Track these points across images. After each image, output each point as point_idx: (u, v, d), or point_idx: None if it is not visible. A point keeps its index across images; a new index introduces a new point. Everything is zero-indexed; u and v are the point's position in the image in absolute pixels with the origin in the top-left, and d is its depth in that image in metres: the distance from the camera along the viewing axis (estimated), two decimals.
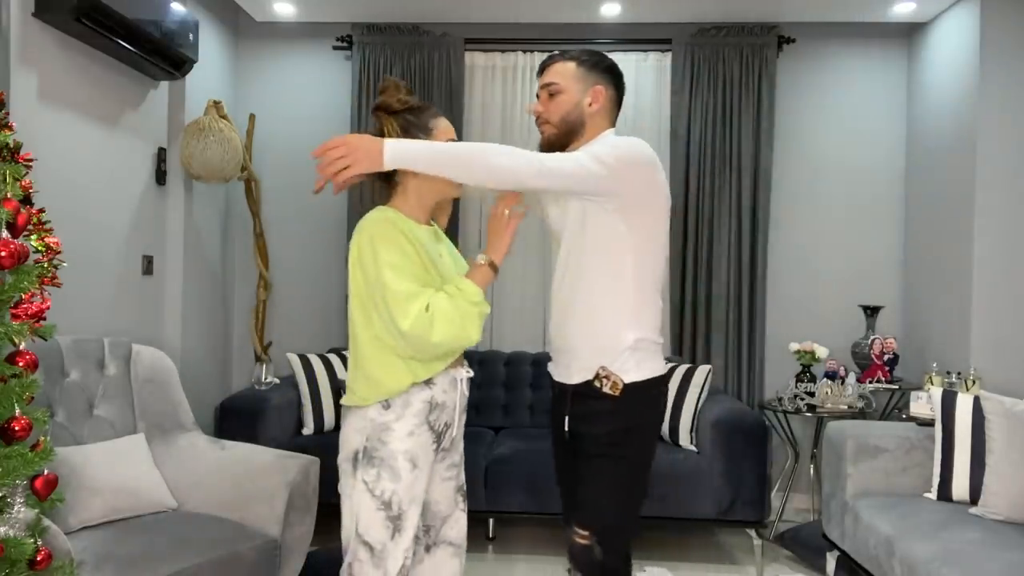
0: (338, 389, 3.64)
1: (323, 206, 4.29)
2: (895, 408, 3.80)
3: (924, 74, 4.02)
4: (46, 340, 1.69)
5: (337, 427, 3.62)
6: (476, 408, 3.95)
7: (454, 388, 1.84)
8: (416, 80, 4.18)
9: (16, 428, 1.61)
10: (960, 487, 2.71)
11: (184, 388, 2.90)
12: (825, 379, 3.70)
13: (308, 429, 3.58)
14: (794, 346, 3.85)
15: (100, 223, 3.08)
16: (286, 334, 4.32)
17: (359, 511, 1.74)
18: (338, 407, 3.63)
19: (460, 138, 1.82)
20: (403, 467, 1.73)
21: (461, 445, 1.97)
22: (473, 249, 4.22)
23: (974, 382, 3.06)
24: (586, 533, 1.79)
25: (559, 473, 2.02)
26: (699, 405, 3.44)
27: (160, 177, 3.52)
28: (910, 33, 4.17)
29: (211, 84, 3.93)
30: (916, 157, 4.09)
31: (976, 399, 2.78)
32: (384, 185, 1.87)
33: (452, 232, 4.13)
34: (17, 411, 1.62)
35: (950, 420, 2.79)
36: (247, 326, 4.27)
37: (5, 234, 1.60)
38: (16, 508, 1.64)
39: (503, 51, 4.28)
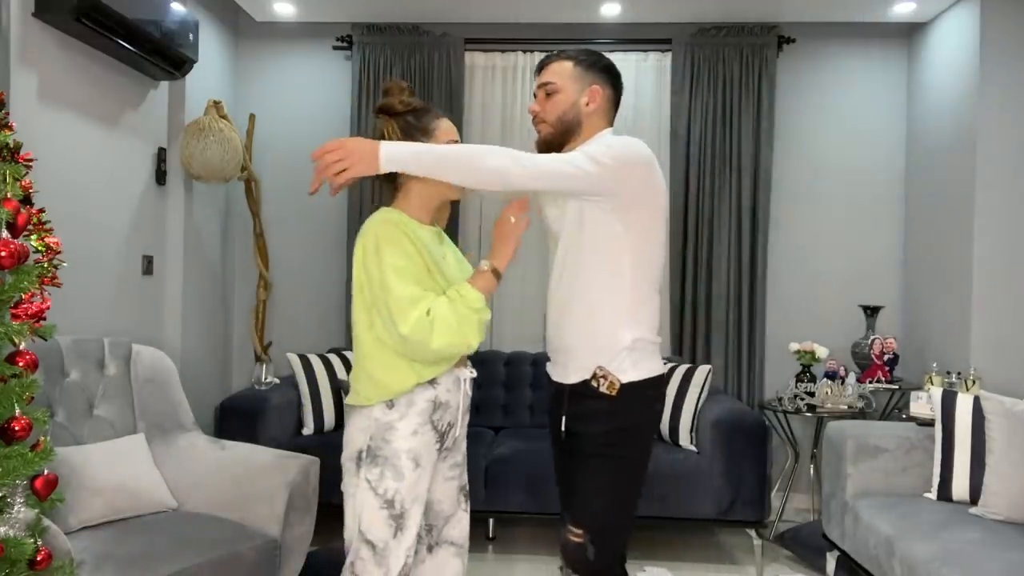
0: (338, 389, 3.64)
1: (323, 206, 4.29)
2: (895, 408, 3.80)
3: (924, 74, 4.02)
4: (46, 340, 1.69)
5: (337, 427, 3.63)
6: (476, 408, 3.95)
7: (457, 388, 1.85)
8: (416, 80, 4.18)
9: (16, 428, 1.61)
10: (960, 487, 2.71)
11: (184, 388, 2.90)
12: (825, 379, 3.70)
13: (308, 429, 3.58)
14: (794, 346, 3.85)
15: (100, 223, 3.08)
16: (286, 334, 4.32)
17: (362, 510, 1.75)
18: (338, 407, 3.63)
19: (461, 139, 1.82)
20: (406, 466, 1.74)
21: (464, 445, 1.97)
22: (473, 250, 4.23)
23: (974, 382, 3.06)
24: (579, 532, 1.79)
25: (557, 473, 2.02)
26: (699, 405, 3.44)
27: (160, 177, 3.52)
28: (910, 33, 4.17)
29: (211, 84, 3.93)
30: (916, 157, 4.09)
31: (976, 399, 2.78)
32: (387, 187, 1.88)
33: (452, 232, 4.13)
34: (17, 411, 1.62)
35: (950, 420, 2.79)
36: (247, 326, 4.27)
37: (5, 234, 1.60)
38: (16, 508, 1.64)
39: (503, 51, 4.28)
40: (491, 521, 3.63)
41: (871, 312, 3.92)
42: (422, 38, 4.18)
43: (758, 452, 3.22)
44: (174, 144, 3.58)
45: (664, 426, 3.47)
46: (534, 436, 3.61)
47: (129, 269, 3.29)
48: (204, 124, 3.47)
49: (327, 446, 3.34)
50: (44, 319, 1.68)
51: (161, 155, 3.52)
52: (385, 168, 1.71)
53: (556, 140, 1.89)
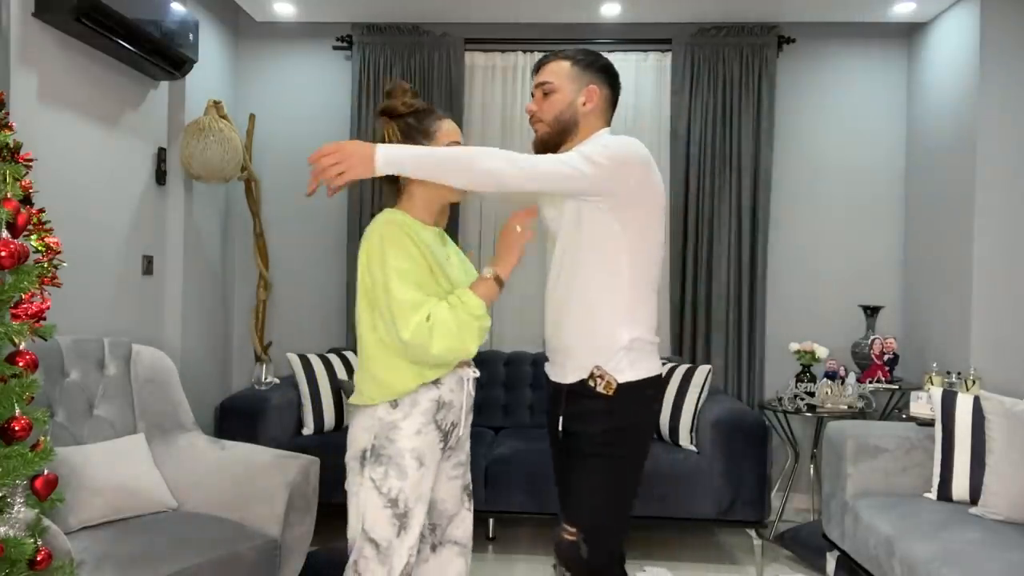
0: (338, 389, 3.65)
1: (323, 206, 4.29)
2: (895, 408, 3.80)
3: (924, 74, 4.02)
4: (46, 340, 1.69)
5: (337, 427, 3.63)
6: (476, 408, 3.92)
7: (461, 387, 1.86)
8: (416, 80, 4.18)
9: (16, 428, 1.61)
10: (960, 487, 2.71)
11: (184, 388, 2.90)
12: (825, 379, 3.70)
13: (308, 429, 3.58)
14: (794, 346, 3.85)
15: (100, 223, 3.08)
16: (286, 334, 4.32)
17: (366, 508, 1.76)
18: (338, 407, 3.63)
19: (462, 139, 1.83)
20: (410, 465, 1.75)
21: (467, 445, 1.98)
22: (472, 250, 4.23)
23: (974, 382, 3.06)
24: (574, 530, 1.79)
25: (556, 472, 2.02)
26: (699, 405, 3.44)
27: (160, 177, 3.52)
28: (910, 33, 4.17)
29: (211, 84, 3.93)
30: (916, 157, 4.09)
31: (976, 399, 2.78)
32: (390, 189, 1.89)
33: (451, 233, 4.13)
34: (17, 411, 1.62)
35: (950, 420, 2.79)
36: (247, 326, 4.27)
37: (5, 234, 1.60)
38: (16, 508, 1.64)
39: (503, 51, 4.28)
40: (491, 521, 3.63)
41: (871, 312, 3.92)
42: (422, 38, 4.18)
43: (758, 452, 3.22)
44: (174, 144, 3.58)
45: (664, 426, 3.47)
46: (534, 436, 3.61)
47: (129, 269, 3.29)
48: (204, 124, 3.47)
49: (327, 446, 3.34)
50: (44, 319, 1.68)
51: (161, 155, 3.52)
52: (381, 171, 1.71)
53: (553, 140, 1.90)
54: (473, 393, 1.90)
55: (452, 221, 4.11)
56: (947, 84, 3.77)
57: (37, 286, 1.68)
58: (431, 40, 4.18)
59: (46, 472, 1.68)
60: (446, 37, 4.18)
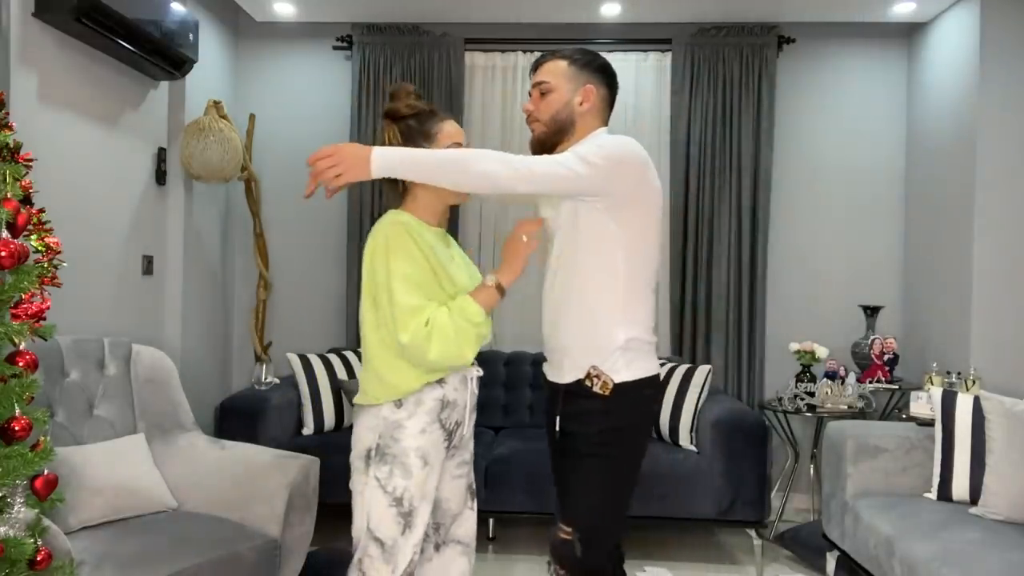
0: (338, 389, 3.65)
1: (323, 206, 4.29)
2: (895, 408, 3.80)
3: (924, 74, 4.02)
4: (46, 340, 1.70)
5: (337, 427, 3.63)
6: (477, 408, 3.94)
7: (465, 386, 1.87)
8: (416, 80, 4.18)
9: (16, 428, 1.61)
10: (960, 487, 2.71)
11: (184, 388, 2.90)
12: (825, 379, 3.70)
13: (308, 429, 3.58)
14: (794, 346, 3.85)
15: (100, 223, 3.08)
16: (286, 334, 4.32)
17: (371, 507, 1.77)
18: (338, 407, 3.63)
19: (465, 139, 1.84)
20: (415, 464, 1.76)
21: (471, 444, 1.99)
22: (471, 248, 4.23)
23: (974, 382, 3.06)
24: (569, 530, 1.80)
25: (553, 472, 2.02)
26: (699, 405, 3.44)
27: (160, 177, 3.52)
28: (910, 33, 4.17)
29: (211, 84, 3.93)
30: (916, 157, 4.09)
31: (976, 399, 2.78)
32: (393, 190, 1.90)
33: (450, 234, 4.12)
34: (17, 411, 1.62)
35: (950, 420, 2.79)
36: (247, 326, 4.27)
37: (5, 234, 1.60)
38: (16, 508, 1.64)
39: (503, 51, 4.28)
40: (491, 521, 3.63)
41: (871, 312, 3.92)
42: (422, 38, 4.18)
43: (758, 452, 3.22)
44: (174, 144, 3.58)
45: (664, 426, 3.47)
46: (534, 436, 3.61)
47: (129, 269, 3.29)
48: (204, 124, 3.47)
49: (327, 446, 3.34)
50: (44, 319, 1.68)
51: (161, 155, 3.52)
52: (376, 174, 1.72)
53: (550, 139, 1.90)
54: (477, 391, 1.91)
55: (451, 222, 4.11)
56: (947, 84, 3.77)
57: (37, 286, 1.68)
58: (431, 40, 4.18)
59: (46, 472, 1.68)
60: (446, 37, 4.18)
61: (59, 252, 1.75)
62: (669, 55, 4.19)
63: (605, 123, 1.93)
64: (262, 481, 2.48)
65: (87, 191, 2.99)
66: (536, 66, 1.93)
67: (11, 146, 1.67)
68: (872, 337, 3.79)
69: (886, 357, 3.72)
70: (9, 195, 1.62)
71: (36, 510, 1.69)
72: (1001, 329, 3.47)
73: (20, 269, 1.64)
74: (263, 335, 4.06)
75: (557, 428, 1.89)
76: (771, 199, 4.14)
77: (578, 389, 1.83)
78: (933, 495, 2.77)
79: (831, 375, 3.71)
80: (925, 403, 3.08)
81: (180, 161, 3.54)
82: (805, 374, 3.81)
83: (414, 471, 1.76)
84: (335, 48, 4.27)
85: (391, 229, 1.75)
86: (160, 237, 3.55)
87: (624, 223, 1.78)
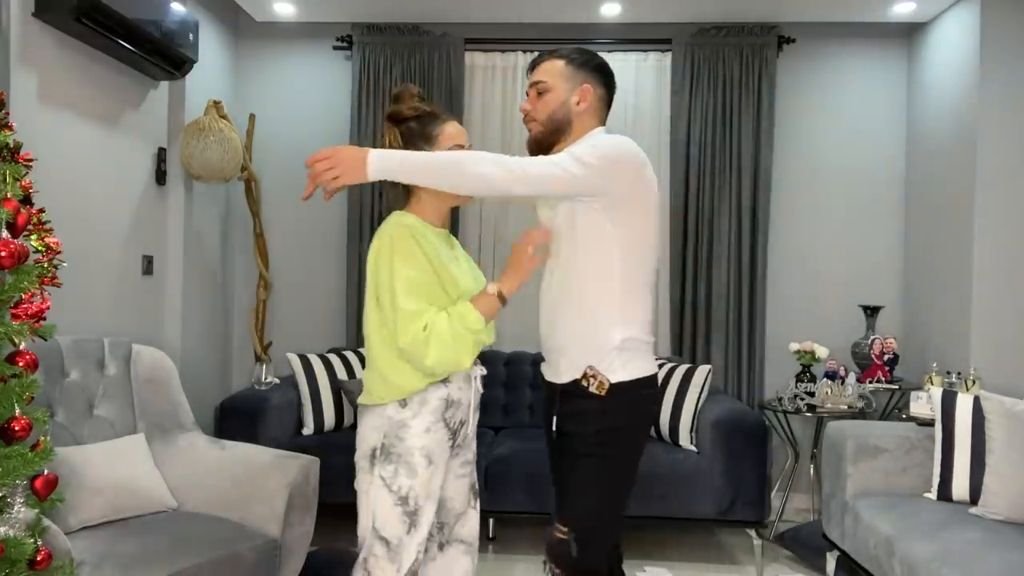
0: (338, 389, 3.65)
1: (324, 206, 4.29)
2: (895, 408, 3.80)
3: (924, 74, 4.02)
4: (46, 340, 1.69)
5: (337, 427, 3.63)
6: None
7: (469, 385, 1.88)
8: (416, 80, 4.18)
9: (16, 428, 1.61)
10: (960, 487, 2.71)
11: (184, 388, 2.90)
12: (825, 379, 3.70)
13: (308, 429, 3.58)
14: (794, 346, 3.85)
15: (100, 223, 3.08)
16: (286, 334, 4.32)
17: (376, 507, 1.78)
18: (338, 407, 3.63)
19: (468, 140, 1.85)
20: (419, 463, 1.77)
21: (474, 443, 2.00)
22: (472, 253, 4.23)
23: (974, 382, 3.06)
24: (565, 529, 1.80)
25: (551, 472, 2.02)
26: (699, 405, 3.44)
27: (160, 177, 3.52)
28: (910, 33, 4.17)
29: (211, 84, 3.93)
30: (916, 157, 4.09)
31: (976, 399, 2.78)
32: (395, 191, 1.90)
33: (451, 235, 4.13)
34: (17, 411, 1.62)
35: (950, 420, 2.79)
36: (247, 326, 4.27)
37: (5, 234, 1.60)
38: (16, 508, 1.64)
39: (503, 51, 4.28)
40: (491, 521, 3.63)
41: (871, 312, 3.92)
42: (422, 38, 4.18)
43: (758, 452, 3.22)
44: (174, 144, 3.58)
45: (664, 426, 3.47)
46: (534, 436, 3.61)
47: (129, 269, 3.29)
48: (204, 124, 3.47)
49: (327, 446, 3.34)
50: (44, 319, 1.68)
51: (161, 155, 3.52)
52: (373, 176, 1.72)
53: (547, 139, 1.89)
54: (481, 390, 1.92)
55: (451, 223, 4.11)
56: (947, 84, 3.77)
57: (37, 286, 1.68)
58: (431, 40, 4.18)
59: (46, 472, 1.68)
60: (446, 37, 4.18)
61: (59, 252, 1.75)
62: (669, 55, 4.18)
63: (603, 122, 1.93)
64: (262, 481, 2.48)
65: (87, 191, 2.99)
66: (533, 66, 1.93)
67: (11, 146, 1.67)
68: (872, 337, 3.80)
69: (886, 357, 3.72)
70: (9, 195, 1.62)
71: (36, 510, 1.69)
72: (1001, 329, 3.47)
73: (20, 269, 1.64)
74: (263, 335, 4.06)
75: (554, 428, 1.89)
76: (771, 199, 4.14)
77: (575, 389, 1.83)
78: (933, 495, 2.77)
79: (831, 375, 3.71)
80: (925, 403, 3.08)
81: (180, 161, 3.54)
82: (805, 374, 3.81)
83: (419, 470, 1.76)
84: (335, 48, 4.27)
85: (396, 231, 1.76)
86: (160, 237, 3.55)
87: (620, 223, 1.78)
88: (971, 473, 2.69)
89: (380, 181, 1.77)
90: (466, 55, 4.24)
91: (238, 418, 3.36)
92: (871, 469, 2.91)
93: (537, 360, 4.08)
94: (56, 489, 1.70)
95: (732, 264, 4.09)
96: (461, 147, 1.87)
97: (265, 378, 3.68)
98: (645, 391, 1.85)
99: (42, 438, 1.69)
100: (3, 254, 1.58)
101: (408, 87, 1.90)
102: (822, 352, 3.78)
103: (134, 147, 3.32)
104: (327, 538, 3.34)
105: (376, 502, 1.78)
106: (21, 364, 1.64)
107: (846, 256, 4.22)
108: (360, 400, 1.86)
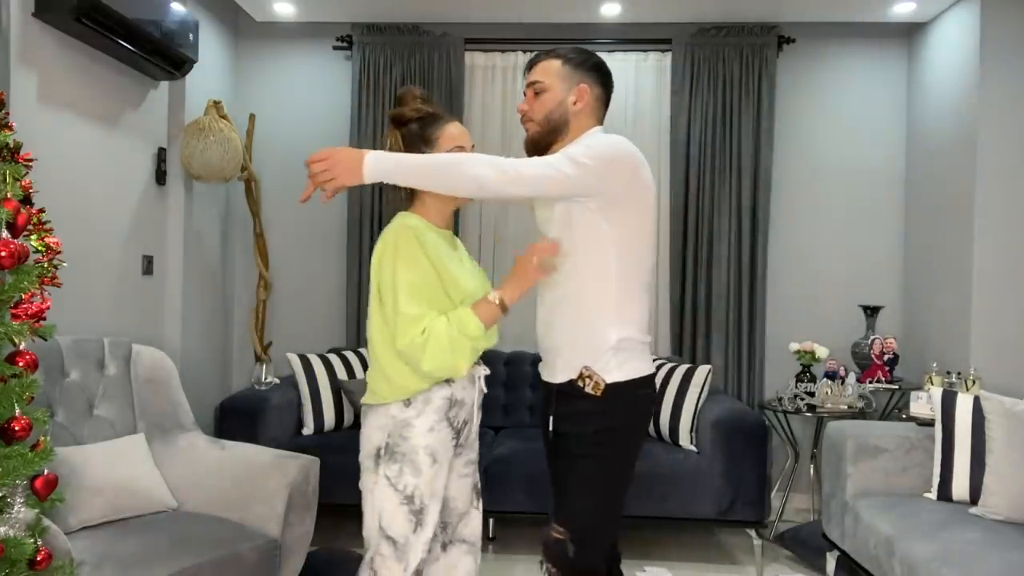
0: (338, 389, 3.65)
1: (323, 206, 4.29)
2: (895, 408, 3.80)
3: (924, 74, 4.02)
4: (46, 340, 1.69)
5: (337, 427, 3.63)
6: None
7: (472, 385, 1.89)
8: (416, 80, 4.18)
9: (16, 428, 1.61)
10: (960, 487, 2.71)
11: (184, 388, 2.90)
12: (825, 379, 3.70)
13: (308, 429, 3.58)
14: (794, 346, 3.85)
15: (100, 223, 3.08)
16: (286, 334, 4.32)
17: (382, 506, 1.78)
18: (338, 407, 3.63)
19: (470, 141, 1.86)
20: (424, 462, 1.77)
21: (477, 443, 2.01)
22: (472, 253, 4.23)
23: (974, 382, 3.06)
24: (562, 529, 1.80)
25: (549, 472, 2.03)
26: (699, 405, 3.44)
27: (160, 177, 3.52)
28: (910, 33, 4.17)
29: (211, 84, 3.93)
30: (916, 157, 4.09)
31: (976, 399, 2.78)
32: (402, 192, 1.90)
33: None
34: (17, 411, 1.62)
35: (950, 420, 2.79)
36: (247, 326, 4.27)
37: (5, 234, 1.60)
38: (16, 508, 1.64)
39: (503, 51, 4.28)
40: (491, 521, 3.63)
41: (871, 312, 3.92)
42: (422, 38, 4.18)
43: (758, 452, 3.22)
44: (174, 144, 3.58)
45: (664, 426, 3.47)
46: (534, 436, 3.60)
47: (129, 269, 3.29)
48: (204, 124, 3.47)
49: (327, 446, 3.34)
50: (44, 319, 1.68)
51: (161, 155, 3.52)
52: (368, 179, 1.72)
53: (544, 139, 1.89)
54: (485, 390, 1.93)
55: (452, 224, 4.11)
56: (947, 84, 3.77)
57: (37, 286, 1.68)
58: (431, 40, 4.18)
59: (46, 472, 1.68)
60: (446, 37, 4.18)
61: (59, 252, 1.75)
62: (669, 55, 4.18)
63: (600, 122, 1.93)
64: (262, 481, 2.48)
65: (87, 191, 2.99)
66: (530, 65, 1.93)
67: (11, 146, 1.67)
68: (872, 337, 3.79)
69: (886, 357, 3.72)
70: (9, 195, 1.62)
71: (36, 510, 1.69)
72: (1001, 329, 3.47)
73: (20, 269, 1.64)
74: (263, 335, 4.06)
75: (551, 428, 1.89)
76: (771, 199, 4.14)
77: (570, 389, 1.83)
78: (933, 495, 2.77)
79: (831, 375, 3.71)
80: (925, 403, 3.08)
81: (180, 161, 3.54)
82: (805, 374, 3.81)
83: (423, 469, 1.77)
84: (335, 48, 4.27)
85: (400, 233, 1.76)
86: (160, 237, 3.55)
87: (616, 222, 1.78)
88: (971, 473, 2.69)
89: (382, 182, 1.78)
90: (466, 55, 4.24)
91: (238, 418, 3.36)
92: (871, 469, 2.91)
93: (537, 360, 4.10)
94: (56, 489, 1.70)
95: (732, 264, 4.09)
96: (462, 148, 1.87)
97: (265, 378, 3.68)
98: (641, 391, 1.85)
99: (42, 438, 1.69)
100: (3, 254, 1.58)
101: (411, 89, 1.90)
102: (822, 352, 3.78)
103: (134, 147, 3.32)
104: (327, 538, 3.34)
105: (382, 501, 1.78)
106: (21, 364, 1.64)
107: (846, 256, 4.22)
108: (364, 400, 1.86)
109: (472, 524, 1.98)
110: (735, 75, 4.09)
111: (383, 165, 1.72)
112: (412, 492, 1.76)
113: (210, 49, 3.89)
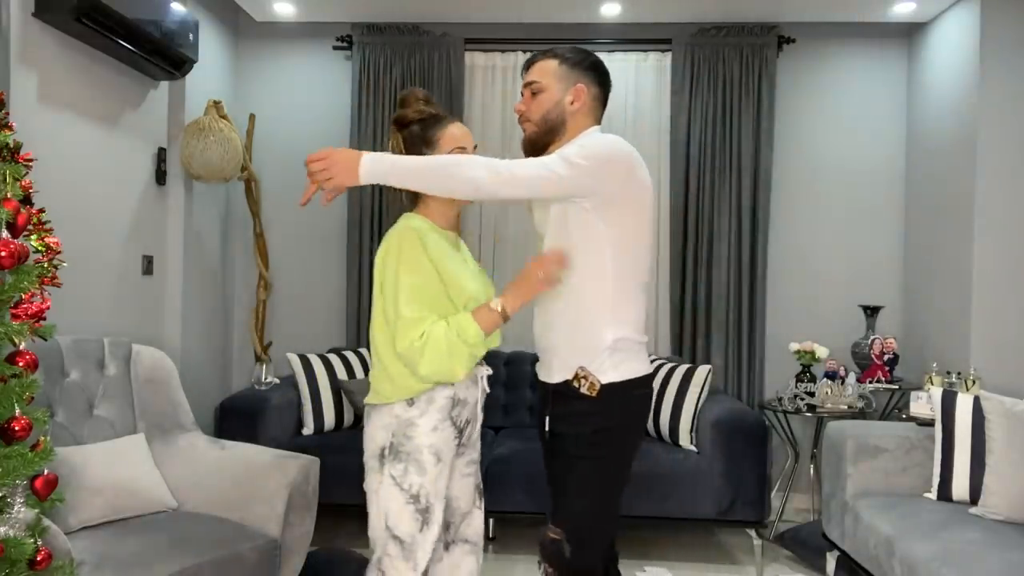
0: (338, 389, 3.65)
1: (323, 206, 4.28)
2: (895, 408, 3.80)
3: (924, 74, 4.02)
4: (46, 340, 1.69)
5: (337, 427, 3.63)
6: None
7: (475, 384, 1.89)
8: (416, 80, 4.18)
9: (16, 428, 1.61)
10: (960, 487, 2.71)
11: (184, 388, 2.90)
12: (825, 379, 3.70)
13: (308, 429, 3.58)
14: (794, 346, 3.85)
15: (100, 223, 3.08)
16: (286, 334, 4.32)
17: (388, 506, 1.78)
18: (338, 407, 3.63)
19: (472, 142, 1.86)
20: (428, 460, 1.77)
21: (479, 443, 2.01)
22: (472, 254, 4.23)
23: (974, 382, 3.06)
24: (558, 530, 1.80)
25: (546, 472, 2.03)
26: (699, 405, 3.44)
27: (160, 177, 3.52)
28: (910, 33, 4.17)
29: (211, 84, 3.93)
30: (916, 157, 4.09)
31: (976, 399, 2.78)
32: (406, 193, 1.90)
33: None
34: (17, 411, 1.62)
35: (950, 420, 2.79)
36: (247, 326, 4.27)
37: (5, 234, 1.60)
38: (16, 508, 1.63)
39: (503, 51, 4.28)
40: (491, 521, 3.63)
41: (871, 312, 3.92)
42: (422, 38, 4.18)
43: (758, 452, 3.22)
44: (174, 144, 3.58)
45: (664, 426, 3.47)
46: (534, 436, 3.56)
47: (129, 269, 3.29)
48: (204, 124, 3.47)
49: (327, 446, 3.34)
50: (44, 319, 1.68)
51: (161, 155, 3.52)
52: (365, 180, 1.72)
53: (541, 139, 1.89)
54: (488, 390, 1.93)
55: None
56: (947, 84, 3.77)
57: (37, 286, 1.68)
58: (431, 40, 4.18)
59: (46, 472, 1.68)
60: (446, 37, 4.18)
61: (59, 252, 1.75)
62: (669, 55, 4.18)
63: (598, 122, 1.92)
64: (262, 481, 2.48)
65: (87, 191, 2.99)
66: (527, 66, 1.92)
67: (11, 146, 1.67)
68: (872, 337, 3.79)
69: (886, 357, 3.72)
70: (9, 195, 1.62)
71: (36, 510, 1.69)
72: (1001, 329, 3.47)
73: (20, 269, 1.64)
74: (263, 335, 4.06)
75: (547, 429, 1.89)
76: (771, 199, 4.14)
77: (566, 390, 1.82)
78: (933, 495, 2.77)
79: (831, 375, 3.71)
80: (925, 403, 3.08)
81: (180, 161, 3.54)
82: (805, 374, 3.81)
83: (428, 468, 1.77)
84: (335, 48, 4.27)
85: (404, 235, 1.76)
86: (160, 237, 3.55)
87: (612, 222, 1.77)
88: (971, 473, 2.69)
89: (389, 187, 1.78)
90: (466, 55, 4.24)
91: (238, 418, 3.36)
92: (871, 469, 2.91)
93: (537, 360, 4.10)
94: (56, 489, 1.70)
95: (732, 264, 4.09)
96: (464, 149, 1.86)
97: (265, 378, 3.68)
98: (637, 391, 1.85)
99: (42, 438, 1.68)
100: (3, 254, 1.58)
101: (414, 91, 1.90)
102: (822, 352, 3.78)
103: (134, 147, 3.32)
104: (327, 538, 3.34)
105: (387, 501, 1.78)
106: (21, 364, 1.63)
107: (846, 256, 4.22)
108: (367, 400, 1.86)
109: (475, 524, 1.99)
110: (735, 75, 4.09)
111: (379, 167, 1.72)
112: (418, 491, 1.76)
113: (210, 49, 3.89)
